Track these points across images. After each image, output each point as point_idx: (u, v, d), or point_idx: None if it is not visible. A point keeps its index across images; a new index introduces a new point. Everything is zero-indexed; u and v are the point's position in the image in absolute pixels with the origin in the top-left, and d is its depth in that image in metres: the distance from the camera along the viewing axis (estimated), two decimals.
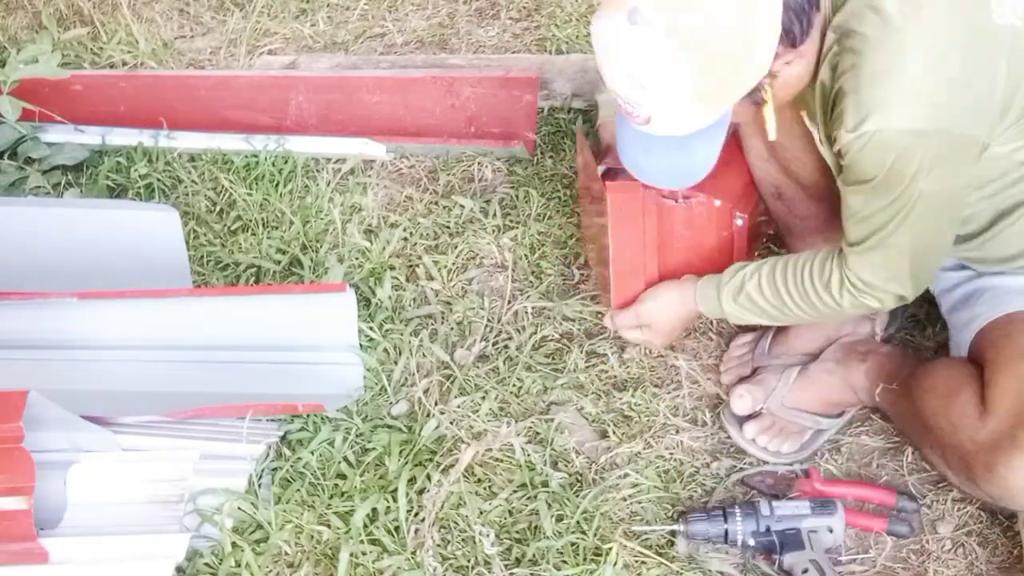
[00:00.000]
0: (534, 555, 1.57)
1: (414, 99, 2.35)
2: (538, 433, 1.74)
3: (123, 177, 2.24)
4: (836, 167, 1.49)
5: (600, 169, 1.78)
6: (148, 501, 1.60)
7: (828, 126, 1.44)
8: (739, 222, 1.74)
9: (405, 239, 2.08)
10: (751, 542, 1.56)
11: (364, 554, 1.57)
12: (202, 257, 2.07)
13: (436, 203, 2.17)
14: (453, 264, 2.03)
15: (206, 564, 1.56)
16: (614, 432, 1.75)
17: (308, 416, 1.74)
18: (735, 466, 1.70)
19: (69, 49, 2.59)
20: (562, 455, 1.72)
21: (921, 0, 1.33)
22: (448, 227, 2.11)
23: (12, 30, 2.70)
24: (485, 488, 1.66)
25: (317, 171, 2.26)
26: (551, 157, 2.24)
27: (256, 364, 1.82)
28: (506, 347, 1.87)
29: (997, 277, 1.60)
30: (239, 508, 1.61)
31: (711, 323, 1.91)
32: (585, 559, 1.56)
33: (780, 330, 1.82)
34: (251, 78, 2.44)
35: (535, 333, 1.89)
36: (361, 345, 1.84)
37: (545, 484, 1.66)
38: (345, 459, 1.69)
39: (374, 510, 1.61)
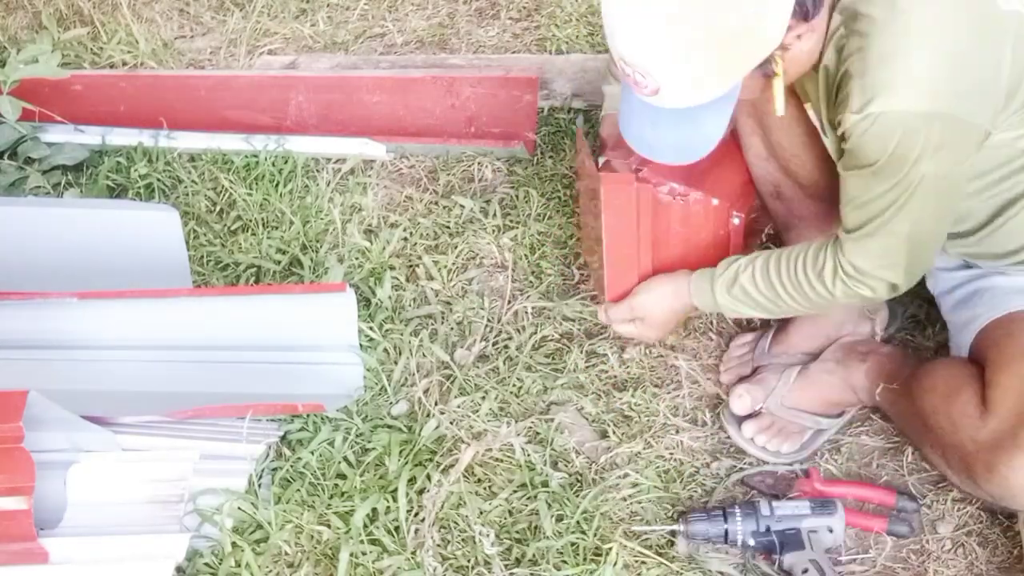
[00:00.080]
0: (534, 555, 1.57)
1: (414, 99, 2.35)
2: (538, 433, 1.74)
3: (123, 177, 2.24)
4: (837, 152, 1.48)
5: (600, 160, 1.77)
6: (148, 501, 1.60)
7: (831, 111, 1.44)
8: (736, 221, 1.74)
9: (405, 239, 2.08)
10: (751, 542, 1.56)
11: (364, 554, 1.57)
12: (202, 257, 2.07)
13: (436, 203, 2.17)
14: (453, 264, 2.03)
15: (206, 564, 1.56)
16: (614, 432, 1.75)
17: (308, 416, 1.74)
18: (735, 466, 1.70)
19: (69, 49, 2.59)
20: (562, 455, 1.72)
21: None
22: (448, 227, 2.11)
23: (12, 30, 2.70)
24: (485, 488, 1.66)
25: (317, 171, 2.26)
26: (551, 157, 2.24)
27: (256, 364, 1.82)
28: (506, 347, 1.87)
29: (998, 277, 1.60)
30: (239, 508, 1.61)
31: (711, 323, 1.91)
32: (585, 559, 1.56)
33: (780, 329, 1.82)
34: (251, 78, 2.44)
35: (535, 333, 1.89)
36: (361, 345, 1.84)
37: (545, 484, 1.66)
38: (345, 459, 1.69)
39: (374, 510, 1.61)
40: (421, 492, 1.64)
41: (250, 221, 2.14)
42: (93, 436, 1.63)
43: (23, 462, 1.49)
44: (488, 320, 1.92)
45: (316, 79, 2.41)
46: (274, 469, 1.69)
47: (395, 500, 1.62)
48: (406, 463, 1.67)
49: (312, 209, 2.15)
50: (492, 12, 2.69)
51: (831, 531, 1.56)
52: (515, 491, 1.65)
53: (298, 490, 1.65)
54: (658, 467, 1.69)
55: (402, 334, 1.88)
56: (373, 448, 1.70)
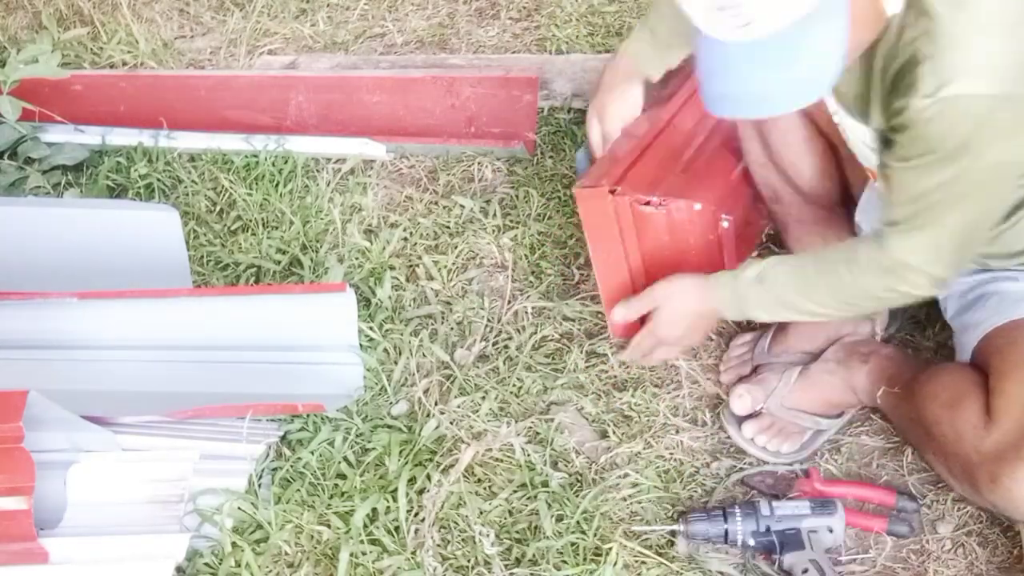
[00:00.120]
0: (534, 555, 1.57)
1: (414, 99, 2.35)
2: (538, 433, 1.74)
3: (123, 177, 2.24)
4: (883, 144, 1.42)
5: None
6: (148, 501, 1.60)
7: (886, 99, 1.37)
8: (725, 224, 1.71)
9: (405, 239, 2.08)
10: (751, 542, 1.55)
11: (364, 554, 1.57)
12: (202, 257, 2.07)
13: (436, 203, 2.17)
14: (453, 264, 2.03)
15: (206, 564, 1.56)
16: (614, 432, 1.75)
17: (308, 416, 1.74)
18: (735, 466, 1.70)
19: (69, 49, 2.59)
20: (562, 455, 1.72)
21: None
22: (448, 227, 2.11)
23: (12, 30, 2.70)
24: (485, 488, 1.66)
25: (317, 171, 2.26)
26: (551, 157, 2.24)
27: (256, 364, 1.82)
28: (506, 347, 1.87)
29: (1006, 282, 1.58)
30: (239, 508, 1.61)
31: None
32: (585, 559, 1.56)
33: (780, 329, 1.82)
34: (251, 78, 2.44)
35: (535, 333, 1.89)
36: (361, 345, 1.84)
37: (545, 484, 1.66)
38: (345, 459, 1.69)
39: (374, 510, 1.61)
40: (421, 492, 1.64)
41: (250, 221, 2.14)
42: (93, 436, 1.63)
43: (23, 462, 1.49)
44: (488, 320, 1.92)
45: (316, 79, 2.41)
46: (274, 469, 1.69)
47: (395, 500, 1.62)
48: (406, 463, 1.67)
49: (312, 209, 2.15)
50: (492, 12, 2.69)
51: (831, 531, 1.55)
52: (515, 491, 1.65)
53: (298, 490, 1.65)
54: (658, 467, 1.69)
55: (402, 334, 1.88)
56: (373, 448, 1.70)
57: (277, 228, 2.12)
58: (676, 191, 1.70)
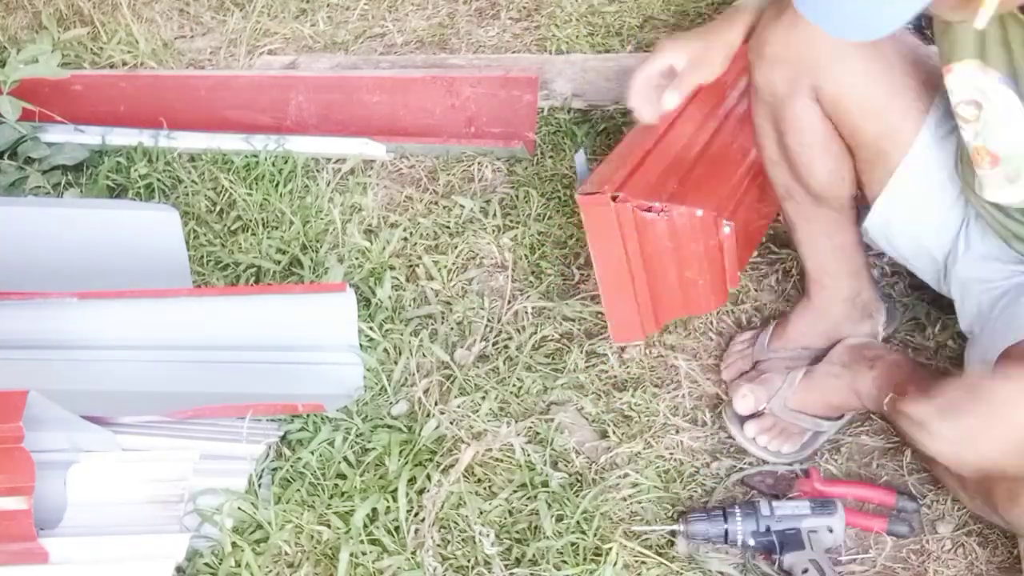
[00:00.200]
0: (534, 555, 1.57)
1: (414, 99, 2.35)
2: (538, 433, 1.74)
3: (123, 177, 2.24)
4: None
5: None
6: (148, 501, 1.60)
7: None
8: (726, 230, 1.70)
9: (405, 239, 2.08)
10: (751, 542, 1.55)
11: (364, 554, 1.57)
12: (202, 257, 2.07)
13: (436, 203, 2.17)
14: (453, 264, 2.03)
15: (206, 564, 1.56)
16: (614, 432, 1.75)
17: (308, 416, 1.74)
18: (735, 466, 1.70)
19: (69, 49, 2.59)
20: (562, 455, 1.72)
21: None
22: (448, 227, 2.11)
23: (12, 30, 2.70)
24: (485, 488, 1.66)
25: (317, 171, 2.26)
26: (551, 157, 2.24)
27: (256, 364, 1.82)
28: (506, 347, 1.87)
29: None
30: (239, 508, 1.60)
31: (711, 323, 1.91)
32: (585, 559, 1.56)
33: (779, 325, 1.82)
34: (251, 78, 2.44)
35: (535, 333, 1.89)
36: (361, 345, 1.84)
37: (545, 484, 1.66)
38: (345, 459, 1.69)
39: (374, 510, 1.61)
40: (421, 492, 1.64)
41: (250, 221, 2.14)
42: (93, 436, 1.63)
43: (23, 462, 1.49)
44: (488, 320, 1.92)
45: (316, 79, 2.41)
46: (274, 469, 1.69)
47: (395, 500, 1.62)
48: (406, 463, 1.67)
49: (312, 209, 2.15)
50: (492, 12, 2.69)
51: (831, 531, 1.55)
52: (515, 491, 1.65)
53: (298, 490, 1.65)
54: (658, 467, 1.69)
55: (402, 334, 1.88)
56: (373, 448, 1.70)
57: (277, 228, 2.12)
58: (678, 197, 1.71)
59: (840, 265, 1.74)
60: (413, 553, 1.57)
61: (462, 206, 2.13)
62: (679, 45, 1.66)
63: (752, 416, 1.72)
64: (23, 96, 2.25)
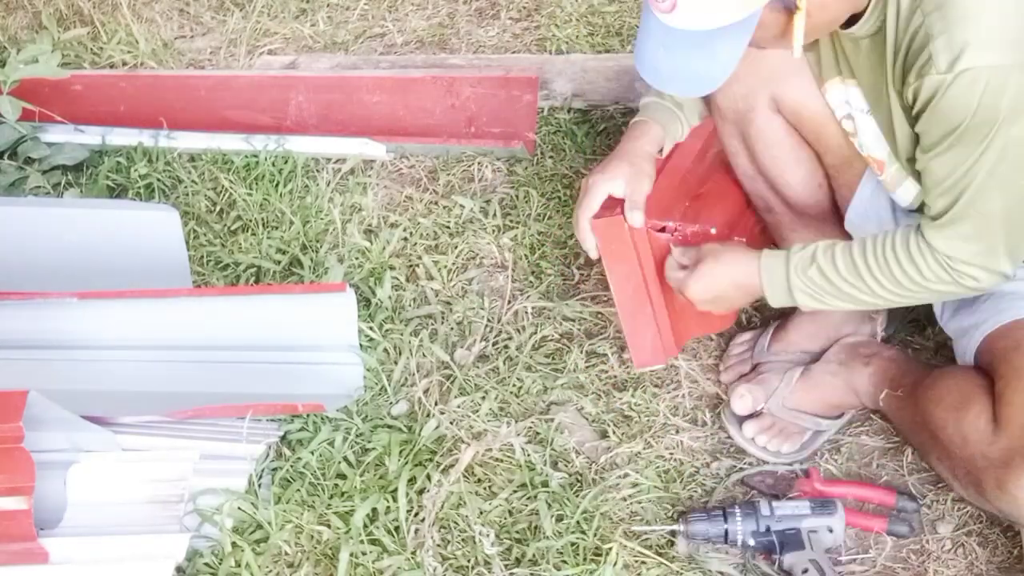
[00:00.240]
0: (534, 555, 1.57)
1: (414, 99, 2.35)
2: (538, 433, 1.74)
3: (123, 177, 2.24)
4: (908, 127, 1.43)
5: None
6: (148, 501, 1.60)
7: (897, 79, 1.39)
8: None
9: (405, 239, 2.08)
10: (751, 542, 1.55)
11: (364, 554, 1.57)
12: (202, 257, 2.07)
13: (436, 203, 2.17)
14: (453, 264, 2.03)
15: (206, 564, 1.56)
16: (614, 432, 1.75)
17: (308, 416, 1.74)
18: (735, 466, 1.70)
19: (69, 49, 2.59)
20: (562, 455, 1.72)
21: None
22: (448, 227, 2.11)
23: (12, 30, 2.70)
24: (485, 488, 1.66)
25: (317, 171, 2.26)
26: (551, 157, 2.24)
27: (256, 364, 1.82)
28: (506, 347, 1.87)
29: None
30: (239, 508, 1.60)
31: None
32: (585, 559, 1.56)
33: (780, 327, 1.82)
34: (251, 78, 2.44)
35: (535, 333, 1.89)
36: (361, 345, 1.84)
37: (545, 484, 1.66)
38: (345, 459, 1.69)
39: (374, 510, 1.61)
40: (421, 492, 1.64)
41: (250, 221, 2.14)
42: (93, 436, 1.63)
43: (23, 462, 1.49)
44: (488, 320, 1.92)
45: (316, 79, 2.41)
46: (274, 469, 1.69)
47: (395, 500, 1.62)
48: (406, 463, 1.67)
49: (312, 209, 2.15)
50: (492, 12, 2.69)
51: (831, 531, 1.55)
52: (515, 491, 1.65)
53: (298, 490, 1.65)
54: (658, 467, 1.69)
55: (402, 334, 1.88)
56: (373, 448, 1.70)
57: (277, 228, 2.12)
58: (691, 216, 1.71)
59: None
60: (413, 553, 1.57)
61: (462, 206, 2.13)
62: (608, 175, 1.68)
63: (750, 416, 1.72)
64: (23, 96, 2.25)
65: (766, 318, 1.91)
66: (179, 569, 1.54)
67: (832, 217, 1.72)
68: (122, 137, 2.31)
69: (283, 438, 1.73)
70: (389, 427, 1.74)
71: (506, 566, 1.56)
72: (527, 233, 2.07)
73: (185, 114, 2.36)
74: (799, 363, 1.76)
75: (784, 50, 1.38)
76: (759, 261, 1.58)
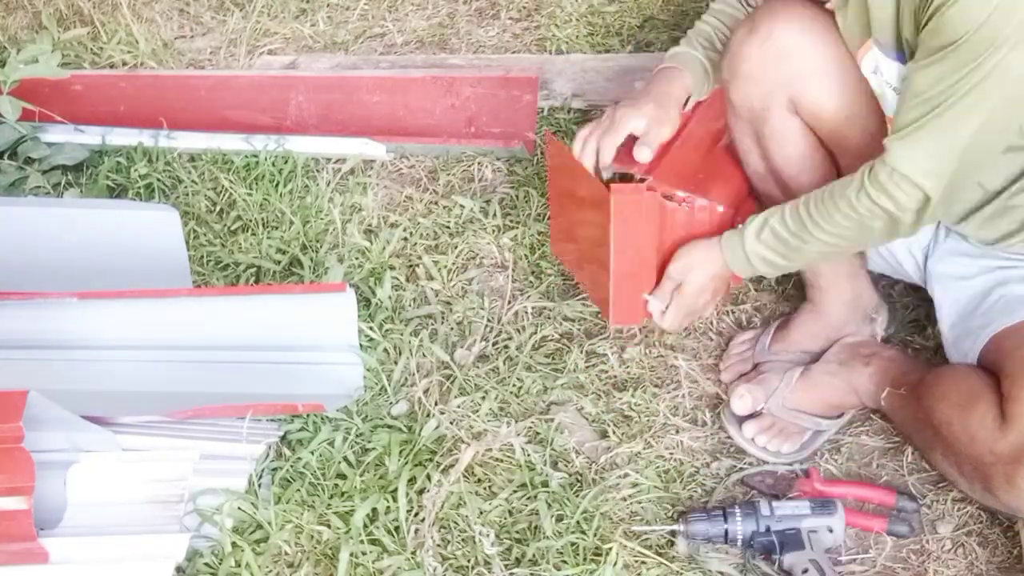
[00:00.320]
0: (534, 555, 1.57)
1: (414, 99, 2.35)
2: (538, 433, 1.74)
3: (123, 177, 2.24)
4: (910, 48, 1.43)
5: (608, 172, 1.75)
6: (148, 501, 1.60)
7: (917, 14, 1.38)
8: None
9: (405, 239, 2.08)
10: (751, 542, 1.55)
11: (364, 554, 1.57)
12: (202, 257, 2.07)
13: (436, 203, 2.17)
14: (453, 264, 2.03)
15: (206, 564, 1.56)
16: (614, 432, 1.75)
17: (308, 416, 1.74)
18: (735, 466, 1.70)
19: (69, 49, 2.59)
20: (562, 455, 1.72)
21: None
22: (448, 227, 2.11)
23: (12, 30, 2.70)
24: (485, 488, 1.66)
25: (317, 171, 2.26)
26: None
27: (256, 364, 1.82)
28: (506, 347, 1.87)
29: (1010, 284, 1.57)
30: (239, 508, 1.60)
31: (711, 323, 1.91)
32: (585, 559, 1.56)
33: (780, 327, 1.82)
34: (251, 78, 2.45)
35: (535, 333, 1.89)
36: (361, 345, 1.84)
37: (545, 484, 1.66)
38: (345, 459, 1.69)
39: (374, 510, 1.61)
40: (421, 492, 1.64)
41: (250, 221, 2.14)
42: (93, 436, 1.63)
43: (23, 462, 1.49)
44: (488, 320, 1.92)
45: (316, 79, 2.41)
46: (274, 469, 1.69)
47: (395, 500, 1.62)
48: (406, 463, 1.67)
49: (312, 209, 2.15)
50: (492, 12, 2.69)
51: (831, 531, 1.55)
52: (515, 491, 1.65)
53: (298, 490, 1.65)
54: (658, 467, 1.69)
55: (402, 334, 1.88)
56: (373, 448, 1.70)
57: (277, 228, 2.12)
58: (702, 189, 1.71)
59: (838, 269, 1.75)
60: (413, 553, 1.57)
61: (462, 206, 2.13)
62: (636, 111, 1.70)
63: (750, 416, 1.72)
64: (23, 96, 2.25)
65: (766, 318, 1.91)
66: (179, 569, 1.54)
67: None
68: (122, 137, 2.31)
69: (283, 438, 1.73)
70: (389, 427, 1.74)
71: (506, 566, 1.56)
72: (527, 233, 2.07)
73: (185, 114, 2.36)
74: (799, 363, 1.77)
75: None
76: (719, 242, 1.64)
